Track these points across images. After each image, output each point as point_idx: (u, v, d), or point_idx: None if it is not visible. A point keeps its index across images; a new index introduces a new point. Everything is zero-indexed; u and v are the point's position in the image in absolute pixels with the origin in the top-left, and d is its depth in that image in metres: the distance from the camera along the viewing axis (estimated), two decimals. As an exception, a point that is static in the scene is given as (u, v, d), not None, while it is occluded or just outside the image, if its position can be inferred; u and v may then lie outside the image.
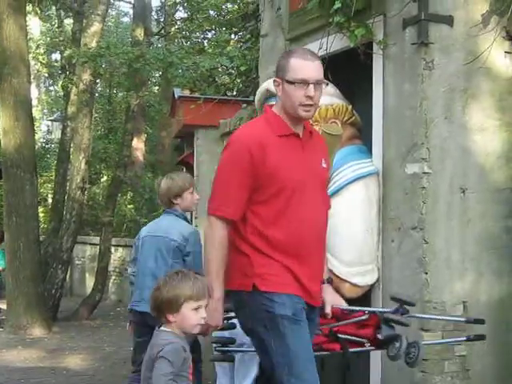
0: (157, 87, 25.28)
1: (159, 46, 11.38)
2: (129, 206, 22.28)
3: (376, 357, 5.24)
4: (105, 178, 24.91)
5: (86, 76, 13.81)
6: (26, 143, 12.60)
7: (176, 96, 9.37)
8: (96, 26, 13.72)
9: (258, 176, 3.70)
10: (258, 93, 5.94)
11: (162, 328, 3.57)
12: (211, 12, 14.15)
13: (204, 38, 16.49)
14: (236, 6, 12.50)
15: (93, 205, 22.97)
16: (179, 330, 3.56)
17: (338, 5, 5.29)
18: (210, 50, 12.94)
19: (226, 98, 8.47)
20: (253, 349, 5.23)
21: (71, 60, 13.95)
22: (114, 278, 18.62)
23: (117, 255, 18.35)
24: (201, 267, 5.91)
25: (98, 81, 15.97)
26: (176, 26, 21.40)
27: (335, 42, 5.66)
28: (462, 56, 5.02)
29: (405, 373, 4.87)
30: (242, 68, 7.59)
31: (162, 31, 21.99)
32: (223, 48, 11.52)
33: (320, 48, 5.72)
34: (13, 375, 8.92)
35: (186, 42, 16.61)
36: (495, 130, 5.11)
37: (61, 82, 22.79)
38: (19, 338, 11.87)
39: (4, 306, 13.07)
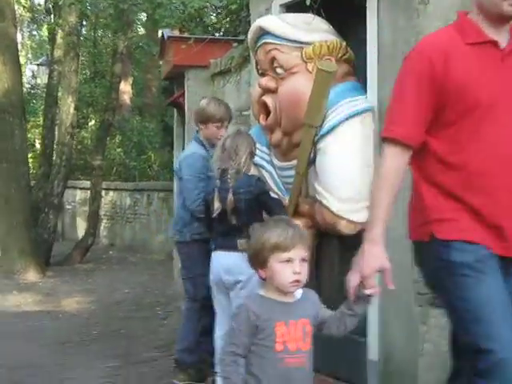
0: (142, 29, 25.08)
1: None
2: (118, 150, 22.22)
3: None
4: (92, 122, 24.80)
5: (72, 18, 13.68)
6: (14, 88, 12.54)
7: (165, 36, 9.27)
8: (80, -34, 13.53)
9: (441, 92, 3.15)
10: (250, 32, 5.89)
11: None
12: None
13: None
14: None
15: (81, 149, 22.94)
16: (275, 288, 3.19)
17: None
18: (197, -11, 12.78)
19: (216, 37, 8.38)
20: (250, 285, 5.35)
21: (57, 2, 13.77)
22: (105, 221, 18.70)
23: (107, 199, 18.41)
24: (190, 194, 5.97)
25: (83, 23, 15.77)
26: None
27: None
28: (456, -11, 4.97)
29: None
30: (233, 7, 7.52)
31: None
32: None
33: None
34: (9, 319, 9.02)
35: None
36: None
37: (45, 26, 22.56)
38: (13, 283, 11.97)
39: (-3, 252, 13.16)
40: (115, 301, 10.35)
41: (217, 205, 5.45)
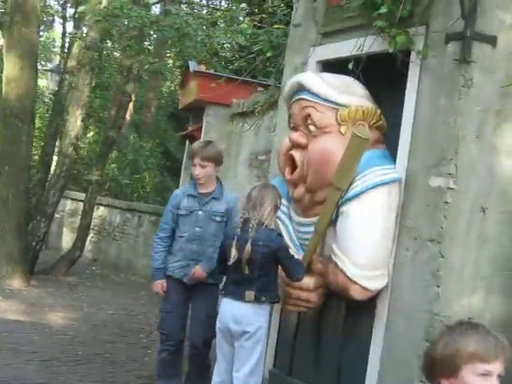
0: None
1: (176, 12, 11.18)
2: (112, 165, 22.21)
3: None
4: (91, 133, 24.78)
5: (94, 33, 13.74)
6: (28, 94, 12.56)
7: (191, 69, 9.35)
8: (108, -17, 13.61)
9: None
10: (287, 85, 5.97)
11: None
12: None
13: (213, 9, 16.39)
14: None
15: (76, 159, 22.89)
16: None
17: (384, 9, 5.31)
18: (222, 25, 12.90)
19: (245, 79, 8.45)
20: (256, 336, 5.41)
21: (83, 16, 13.84)
22: (91, 235, 18.61)
23: (97, 213, 18.33)
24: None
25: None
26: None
27: (372, 44, 5.67)
28: (500, 78, 5.06)
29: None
30: (268, 54, 7.59)
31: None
32: (237, 24, 11.47)
33: (355, 47, 5.75)
34: (-5, 327, 8.95)
35: (192, 10, 16.49)
36: (522, 154, 5.17)
37: (53, 32, 22.59)
38: (-1, 288, 11.89)
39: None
40: (100, 321, 10.30)
41: (234, 253, 5.48)
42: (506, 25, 5.07)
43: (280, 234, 5.63)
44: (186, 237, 6.34)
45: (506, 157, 5.11)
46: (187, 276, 6.34)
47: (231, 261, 5.49)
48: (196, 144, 6.61)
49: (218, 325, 5.64)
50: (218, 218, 6.34)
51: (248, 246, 5.41)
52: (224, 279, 5.87)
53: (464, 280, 5.04)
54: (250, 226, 5.46)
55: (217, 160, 6.43)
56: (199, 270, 6.26)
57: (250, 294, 5.45)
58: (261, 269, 5.45)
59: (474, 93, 5.00)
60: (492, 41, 5.02)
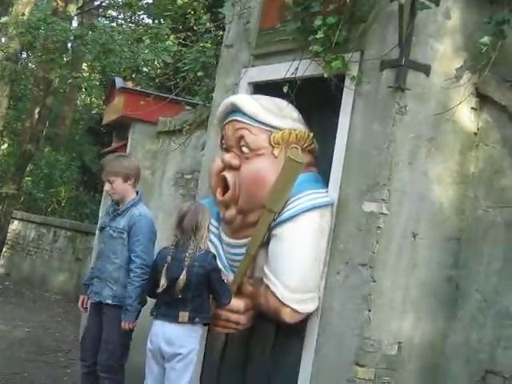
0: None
1: (102, 27, 11.06)
2: (26, 178, 21.78)
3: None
4: (5, 145, 24.26)
5: (15, 45, 13.48)
6: None
7: (117, 85, 9.25)
8: (30, -4, 13.38)
9: None
10: (221, 105, 5.95)
11: None
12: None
13: (136, 24, 16.30)
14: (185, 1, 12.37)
15: (-11, 172, 22.40)
16: None
17: (320, 35, 5.36)
18: (147, 41, 12.81)
19: (175, 98, 8.39)
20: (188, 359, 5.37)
21: (5, 27, 13.56)
22: (5, 250, 18.19)
23: (11, 227, 17.92)
24: None
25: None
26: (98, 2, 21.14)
27: (305, 68, 5.70)
28: (432, 106, 5.16)
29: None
30: (199, 73, 7.57)
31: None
32: (162, 41, 11.42)
33: (288, 70, 5.78)
34: None
35: (118, 25, 16.37)
36: (451, 181, 5.27)
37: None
38: None
39: None
40: (16, 339, 10.08)
41: (163, 281, 5.45)
42: (440, 54, 5.18)
43: (215, 257, 5.60)
44: (96, 254, 6.22)
45: (437, 183, 5.22)
46: (95, 295, 6.09)
47: (160, 289, 5.46)
48: (105, 158, 6.40)
49: (148, 346, 5.57)
50: (115, 234, 6.02)
51: (183, 274, 5.38)
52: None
53: (394, 304, 5.10)
54: (187, 254, 5.43)
55: (125, 174, 6.08)
56: (124, 323, 5.83)
57: (183, 314, 5.42)
58: (195, 290, 5.43)
59: (408, 120, 5.09)
60: (426, 69, 5.11)
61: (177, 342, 5.42)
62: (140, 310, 5.91)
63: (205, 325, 5.68)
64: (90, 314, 6.24)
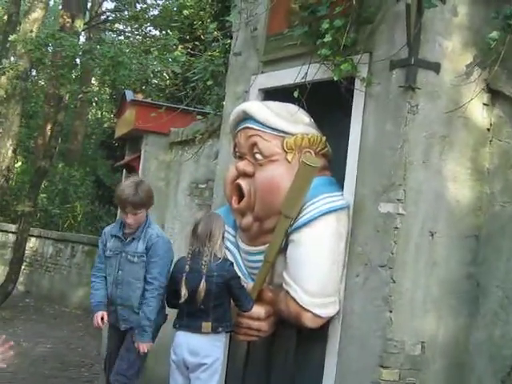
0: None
1: (110, 41, 11.12)
2: (41, 195, 21.85)
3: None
4: (19, 163, 24.36)
5: (23, 63, 13.56)
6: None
7: (127, 98, 9.28)
8: (38, 13, 13.49)
9: None
10: (233, 113, 5.96)
11: None
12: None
13: (144, 36, 16.35)
14: (192, 11, 12.41)
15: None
16: None
17: (328, 38, 5.36)
18: (156, 52, 12.85)
19: (185, 108, 8.42)
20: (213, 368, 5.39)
21: (14, 45, 13.64)
22: (23, 267, 18.25)
23: (29, 245, 17.96)
24: None
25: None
26: (105, 17, 21.23)
27: (315, 72, 5.70)
28: (444, 103, 5.15)
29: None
30: (208, 82, 7.59)
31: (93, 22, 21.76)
32: (170, 52, 11.46)
33: (298, 75, 5.78)
34: None
35: (126, 38, 16.43)
36: (466, 178, 5.25)
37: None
38: None
39: None
40: (39, 356, 10.11)
41: (183, 291, 5.44)
42: (449, 51, 5.16)
43: (232, 264, 5.60)
44: (110, 280, 5.98)
45: (452, 181, 5.20)
46: (124, 322, 5.95)
47: (182, 299, 5.44)
48: (125, 190, 5.88)
49: (172, 357, 5.57)
50: (136, 259, 5.85)
51: (202, 283, 5.37)
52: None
53: (415, 304, 5.08)
54: (203, 262, 5.42)
55: (149, 203, 5.96)
56: (141, 345, 5.75)
57: (207, 325, 5.43)
58: (216, 299, 5.43)
59: (420, 119, 5.08)
60: (436, 67, 5.10)
61: (201, 352, 5.42)
62: (158, 331, 5.91)
63: (228, 332, 5.67)
64: (113, 338, 6.17)
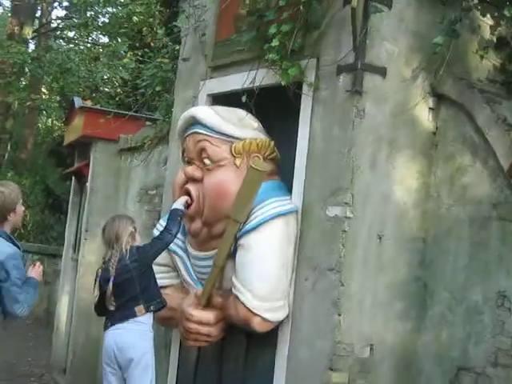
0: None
1: (57, 48, 11.04)
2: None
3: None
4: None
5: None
6: None
7: (76, 105, 9.21)
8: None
9: None
10: (181, 118, 5.95)
11: None
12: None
13: (93, 44, 16.25)
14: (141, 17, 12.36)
15: None
16: None
17: (275, 43, 5.37)
18: (105, 59, 12.78)
19: (134, 114, 8.39)
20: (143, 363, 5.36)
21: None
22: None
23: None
24: None
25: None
26: (56, 24, 21.02)
27: (263, 77, 5.71)
28: (390, 108, 5.20)
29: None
30: (157, 88, 7.57)
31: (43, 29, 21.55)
32: (120, 59, 11.40)
33: (246, 80, 5.79)
34: None
35: (74, 45, 16.32)
36: (413, 181, 5.31)
37: None
38: None
39: None
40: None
41: (96, 292, 5.67)
42: (395, 56, 5.21)
43: (138, 247, 5.70)
44: None
45: (399, 185, 5.25)
46: None
47: (95, 299, 5.68)
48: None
49: (104, 359, 5.66)
50: None
51: (110, 285, 5.56)
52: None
53: (364, 307, 5.11)
54: (111, 264, 5.59)
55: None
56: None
57: (139, 308, 5.57)
58: (140, 283, 5.57)
59: (367, 123, 5.11)
60: (382, 72, 5.14)
61: (129, 346, 5.55)
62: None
63: (160, 309, 5.74)
64: None
